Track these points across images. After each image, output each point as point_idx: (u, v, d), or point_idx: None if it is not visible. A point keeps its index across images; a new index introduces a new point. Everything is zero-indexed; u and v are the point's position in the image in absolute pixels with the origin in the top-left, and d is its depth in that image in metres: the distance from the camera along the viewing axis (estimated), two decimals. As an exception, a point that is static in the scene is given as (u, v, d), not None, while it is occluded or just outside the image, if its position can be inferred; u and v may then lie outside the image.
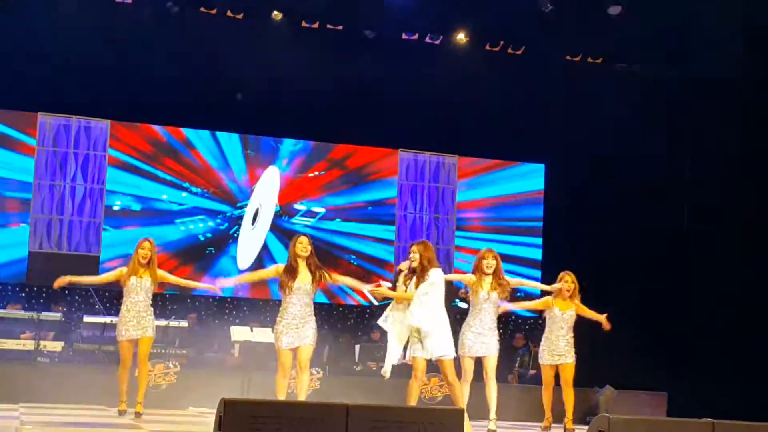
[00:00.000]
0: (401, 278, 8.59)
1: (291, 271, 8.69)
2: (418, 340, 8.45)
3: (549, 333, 10.44)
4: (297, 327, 8.61)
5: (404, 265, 8.65)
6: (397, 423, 5.68)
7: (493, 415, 9.44)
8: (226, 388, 10.41)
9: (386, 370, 8.66)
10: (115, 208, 14.89)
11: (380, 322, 8.66)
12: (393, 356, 8.58)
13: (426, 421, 5.72)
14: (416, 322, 8.39)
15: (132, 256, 9.81)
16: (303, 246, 8.76)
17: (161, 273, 9.85)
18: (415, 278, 8.45)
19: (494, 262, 9.43)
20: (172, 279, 10.12)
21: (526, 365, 13.62)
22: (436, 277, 8.45)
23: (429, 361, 8.57)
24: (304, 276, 8.69)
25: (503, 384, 12.96)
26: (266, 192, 15.63)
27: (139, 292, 9.67)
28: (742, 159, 14.90)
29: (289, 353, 8.61)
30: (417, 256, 8.46)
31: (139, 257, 9.72)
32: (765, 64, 14.29)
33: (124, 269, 9.77)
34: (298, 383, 8.67)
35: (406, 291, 8.49)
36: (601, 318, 10.52)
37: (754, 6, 13.65)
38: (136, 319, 9.63)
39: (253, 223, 15.51)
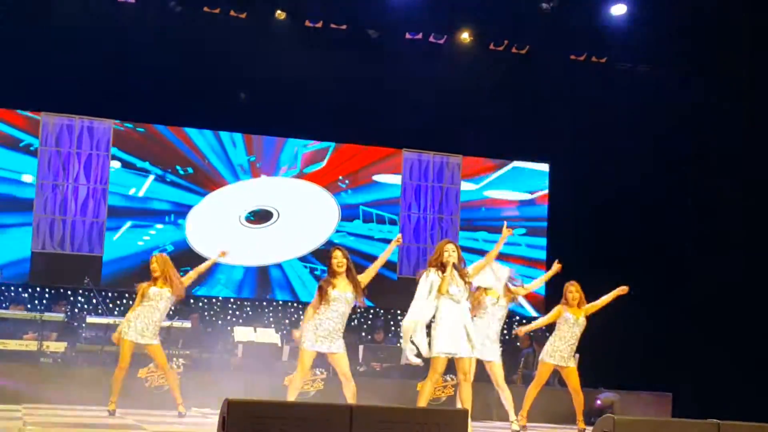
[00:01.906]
0: (447, 274, 8.40)
1: (328, 282, 8.64)
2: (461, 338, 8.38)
3: (557, 336, 10.46)
4: (328, 335, 8.62)
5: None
6: (401, 424, 5.66)
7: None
8: (230, 389, 10.35)
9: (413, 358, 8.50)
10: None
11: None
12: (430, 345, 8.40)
13: (430, 422, 5.69)
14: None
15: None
16: (338, 261, 8.68)
17: (180, 281, 9.95)
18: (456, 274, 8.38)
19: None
20: (192, 275, 10.12)
21: (531, 366, 13.57)
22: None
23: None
24: (343, 285, 8.65)
25: (509, 384, 12.95)
26: (302, 210, 15.61)
27: (158, 301, 9.79)
28: (744, 158, 14.87)
29: (312, 355, 8.61)
30: (456, 255, 8.41)
31: (152, 273, 9.85)
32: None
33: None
34: (347, 392, 8.71)
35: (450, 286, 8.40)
36: (616, 292, 10.53)
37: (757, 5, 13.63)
38: (143, 326, 9.69)
39: (254, 221, 15.44)
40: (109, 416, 9.47)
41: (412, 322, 8.36)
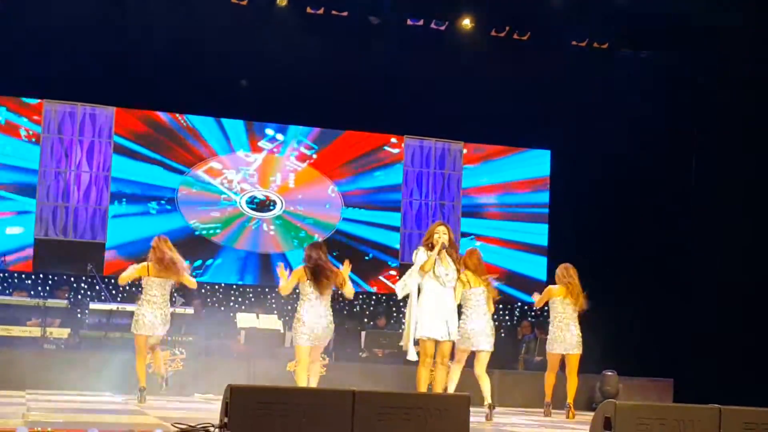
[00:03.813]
0: (432, 254, 8.43)
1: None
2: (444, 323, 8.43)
3: (559, 322, 10.42)
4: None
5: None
6: (403, 409, 5.68)
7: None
8: (232, 375, 10.44)
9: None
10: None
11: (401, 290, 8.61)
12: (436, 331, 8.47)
13: (432, 407, 5.72)
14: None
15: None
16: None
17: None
18: (447, 257, 8.42)
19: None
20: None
21: (533, 352, 13.62)
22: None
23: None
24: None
25: (511, 370, 13.01)
26: (305, 199, 15.64)
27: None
28: (747, 147, 14.85)
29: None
30: (446, 237, 8.46)
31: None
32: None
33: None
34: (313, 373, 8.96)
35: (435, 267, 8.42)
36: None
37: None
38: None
39: (256, 209, 15.47)
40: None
41: (398, 289, 8.58)
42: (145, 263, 9.74)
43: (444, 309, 8.41)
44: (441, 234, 8.48)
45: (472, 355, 9.44)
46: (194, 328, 12.50)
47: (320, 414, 5.49)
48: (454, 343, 8.87)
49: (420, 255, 8.51)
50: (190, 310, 12.55)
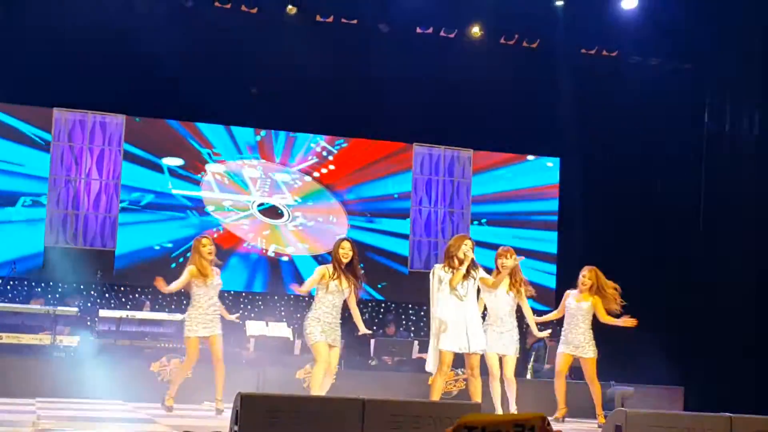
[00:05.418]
0: (463, 269, 8.47)
1: (333, 272, 8.85)
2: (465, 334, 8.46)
3: (566, 327, 10.43)
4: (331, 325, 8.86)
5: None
6: (413, 417, 5.67)
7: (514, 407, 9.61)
8: (241, 383, 10.40)
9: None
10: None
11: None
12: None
13: (443, 416, 5.71)
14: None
15: (194, 256, 9.71)
16: (345, 252, 8.88)
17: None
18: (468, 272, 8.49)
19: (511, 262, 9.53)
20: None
21: (542, 360, 13.58)
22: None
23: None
24: (342, 280, 8.83)
25: (518, 378, 12.96)
26: (312, 209, 15.66)
27: (212, 291, 9.80)
28: (755, 153, 14.83)
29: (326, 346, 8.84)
30: (472, 251, 8.51)
31: (205, 254, 9.67)
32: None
33: (192, 269, 9.68)
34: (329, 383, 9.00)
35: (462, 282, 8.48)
36: (620, 322, 10.48)
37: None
38: (207, 318, 9.78)
39: (265, 215, 15.51)
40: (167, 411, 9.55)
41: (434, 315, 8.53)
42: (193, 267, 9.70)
43: (463, 321, 8.42)
44: (471, 247, 8.52)
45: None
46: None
47: (330, 422, 5.49)
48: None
49: (442, 274, 8.51)
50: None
